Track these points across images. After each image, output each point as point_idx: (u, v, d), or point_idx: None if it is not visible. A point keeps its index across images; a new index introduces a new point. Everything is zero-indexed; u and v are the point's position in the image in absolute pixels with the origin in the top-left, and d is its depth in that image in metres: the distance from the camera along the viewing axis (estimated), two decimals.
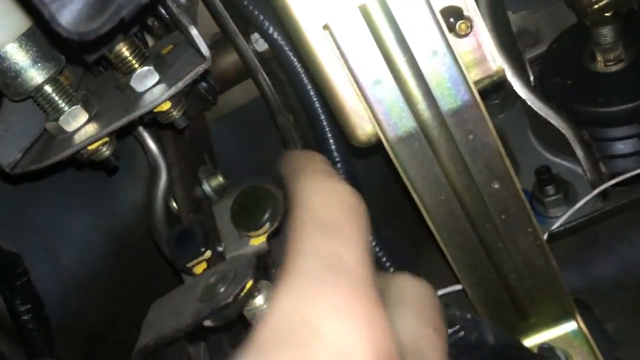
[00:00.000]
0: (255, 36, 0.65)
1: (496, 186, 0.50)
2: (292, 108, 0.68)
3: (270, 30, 0.61)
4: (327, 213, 0.26)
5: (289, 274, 0.23)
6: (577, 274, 0.59)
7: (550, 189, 0.63)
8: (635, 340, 0.55)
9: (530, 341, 0.56)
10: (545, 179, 0.63)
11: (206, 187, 0.64)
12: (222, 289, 0.41)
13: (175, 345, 0.43)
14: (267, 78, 0.65)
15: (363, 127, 0.48)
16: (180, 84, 0.45)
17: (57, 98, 0.46)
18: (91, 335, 0.74)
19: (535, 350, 0.55)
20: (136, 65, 0.46)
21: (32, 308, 0.65)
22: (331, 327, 0.21)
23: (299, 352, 0.21)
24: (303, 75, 0.61)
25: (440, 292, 0.59)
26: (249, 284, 0.41)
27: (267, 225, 0.49)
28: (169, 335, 0.41)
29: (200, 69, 0.45)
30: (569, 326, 0.56)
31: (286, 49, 0.61)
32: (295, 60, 0.61)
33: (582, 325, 0.56)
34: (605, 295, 0.58)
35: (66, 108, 0.47)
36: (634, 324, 0.56)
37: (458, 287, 0.56)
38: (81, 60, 0.50)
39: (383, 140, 0.47)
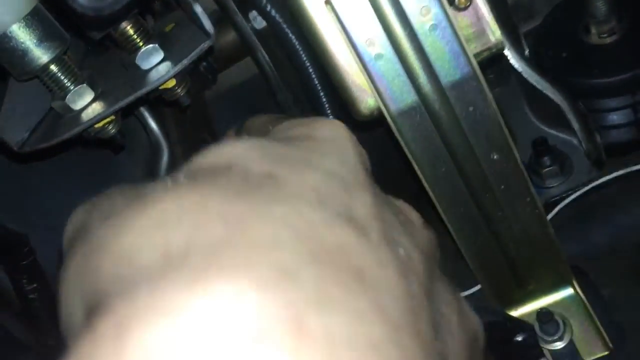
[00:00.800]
0: (254, 14, 0.65)
1: (495, 157, 0.51)
2: (290, 85, 0.69)
3: (268, 7, 0.61)
4: None
5: None
6: (574, 242, 0.61)
7: (546, 160, 0.64)
8: (630, 304, 0.57)
9: (529, 307, 0.58)
10: (541, 150, 0.64)
11: None
12: None
13: None
14: (266, 56, 0.66)
15: (365, 101, 0.49)
16: (185, 61, 0.45)
17: (63, 77, 0.47)
18: None
19: (534, 316, 0.57)
20: (141, 43, 0.47)
21: (39, 287, 0.66)
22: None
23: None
24: (302, 52, 0.62)
25: None
26: None
27: None
28: None
29: (205, 45, 0.46)
30: (566, 292, 0.58)
31: (284, 26, 0.61)
32: (293, 37, 0.61)
33: (578, 291, 0.57)
34: (601, 261, 0.60)
35: (72, 87, 0.47)
36: (629, 289, 0.58)
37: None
38: (84, 39, 0.51)
39: (385, 113, 0.48)
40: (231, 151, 0.24)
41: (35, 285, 0.65)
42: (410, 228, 0.28)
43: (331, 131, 0.29)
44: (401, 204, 0.31)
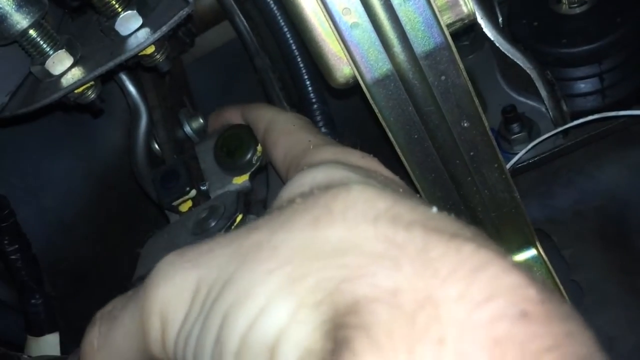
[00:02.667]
0: None
1: (465, 125, 0.53)
2: (268, 50, 0.70)
3: None
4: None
5: None
6: (538, 206, 0.64)
7: (515, 127, 0.66)
8: (589, 264, 0.60)
9: None
10: (510, 117, 0.66)
11: (187, 129, 0.65)
12: (213, 223, 0.44)
13: None
14: (244, 20, 0.66)
15: (341, 69, 0.50)
16: (164, 28, 0.46)
17: (42, 42, 0.47)
18: (76, 274, 0.77)
19: None
20: (119, 9, 0.47)
21: (20, 248, 0.67)
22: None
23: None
24: (279, 17, 0.62)
25: None
26: (239, 217, 0.44)
27: (250, 164, 0.52)
28: None
29: (184, 13, 0.46)
30: (530, 253, 0.61)
31: None
32: (272, 2, 0.62)
33: (541, 252, 0.60)
34: (563, 224, 0.63)
35: (51, 52, 0.47)
36: (588, 250, 0.61)
37: None
38: (60, 3, 0.51)
39: (360, 82, 0.50)
40: (325, 174, 0.29)
41: (16, 246, 0.66)
42: None
43: (373, 164, 0.34)
44: None
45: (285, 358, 0.22)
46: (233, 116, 0.56)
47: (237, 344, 0.23)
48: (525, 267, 0.23)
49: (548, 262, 0.60)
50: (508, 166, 0.64)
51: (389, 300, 0.21)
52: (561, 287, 0.59)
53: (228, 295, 0.24)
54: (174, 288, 0.26)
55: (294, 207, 0.26)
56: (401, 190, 0.32)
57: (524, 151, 0.66)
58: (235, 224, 0.44)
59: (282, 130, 0.42)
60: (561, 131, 0.65)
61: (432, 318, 0.20)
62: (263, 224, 0.26)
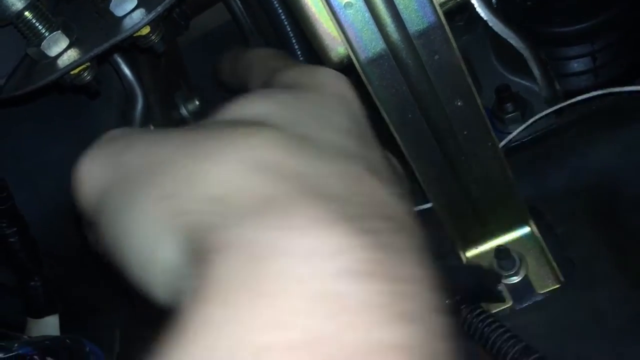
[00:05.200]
0: None
1: (459, 103, 0.53)
2: (263, 32, 0.70)
3: None
4: None
5: None
6: (532, 184, 0.64)
7: (509, 107, 0.67)
8: (581, 241, 0.61)
9: (489, 245, 0.62)
10: (504, 97, 0.67)
11: (183, 111, 0.66)
12: None
13: None
14: (238, 2, 0.66)
15: (335, 49, 0.51)
16: (159, 9, 0.46)
17: (37, 24, 0.47)
18: (72, 258, 0.77)
19: (493, 252, 0.61)
20: None
21: (19, 231, 0.67)
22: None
23: None
24: None
25: None
26: None
27: None
28: None
29: None
30: (523, 231, 0.62)
31: None
32: None
33: (535, 229, 0.62)
34: (557, 202, 0.63)
35: (47, 34, 0.48)
36: (581, 227, 0.62)
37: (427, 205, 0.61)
38: None
39: (354, 61, 0.50)
40: (256, 107, 0.27)
41: (15, 229, 0.66)
42: (398, 180, 0.30)
43: (336, 85, 0.31)
44: (388, 154, 0.32)
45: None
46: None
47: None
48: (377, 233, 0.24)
49: (541, 240, 0.61)
50: (501, 145, 0.65)
51: (237, 252, 0.22)
52: (554, 264, 0.60)
53: (120, 217, 0.26)
54: (90, 174, 0.29)
55: (207, 128, 0.27)
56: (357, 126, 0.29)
57: (517, 131, 0.67)
58: None
59: (259, 60, 0.41)
60: (555, 110, 0.66)
61: (274, 271, 0.21)
62: (177, 138, 0.27)
